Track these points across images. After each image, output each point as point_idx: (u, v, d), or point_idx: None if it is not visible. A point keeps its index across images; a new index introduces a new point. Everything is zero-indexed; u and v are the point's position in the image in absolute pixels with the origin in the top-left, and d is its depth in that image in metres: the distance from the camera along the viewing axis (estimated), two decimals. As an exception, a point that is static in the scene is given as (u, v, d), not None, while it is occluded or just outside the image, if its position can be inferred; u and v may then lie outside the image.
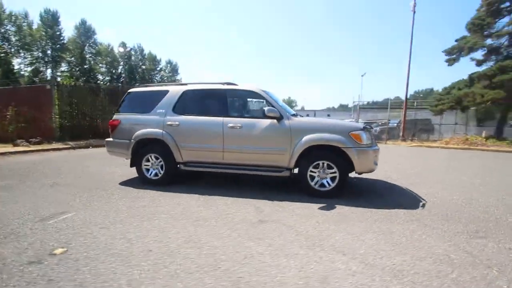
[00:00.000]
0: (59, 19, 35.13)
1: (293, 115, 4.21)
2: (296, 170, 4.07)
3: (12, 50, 31.45)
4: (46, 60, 35.86)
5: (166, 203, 3.57)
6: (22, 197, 3.75)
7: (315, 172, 3.88)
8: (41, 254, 2.19)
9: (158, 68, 58.66)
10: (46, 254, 2.19)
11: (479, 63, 14.79)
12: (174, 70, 61.45)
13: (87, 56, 43.40)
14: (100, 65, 47.29)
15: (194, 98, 4.45)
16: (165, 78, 58.19)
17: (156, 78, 57.78)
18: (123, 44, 48.08)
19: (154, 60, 57.27)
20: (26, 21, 32.66)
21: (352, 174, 4.08)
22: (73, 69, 40.20)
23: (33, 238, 2.48)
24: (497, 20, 13.37)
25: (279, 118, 3.96)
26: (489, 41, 13.70)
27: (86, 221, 2.91)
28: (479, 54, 14.24)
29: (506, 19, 13.20)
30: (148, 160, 4.51)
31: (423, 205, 3.63)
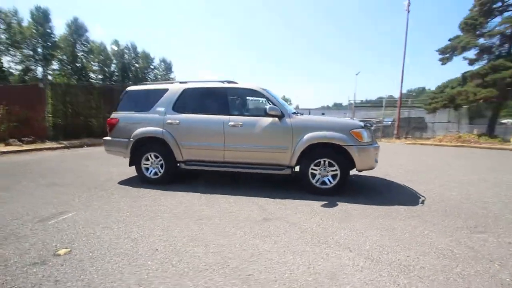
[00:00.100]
0: (50, 17, 34.40)
1: (294, 113, 4.22)
2: (297, 168, 4.08)
3: (2, 48, 30.67)
4: (36, 58, 34.95)
5: (167, 202, 3.54)
6: (19, 197, 3.67)
7: (316, 170, 3.90)
8: (45, 255, 2.15)
9: (151, 67, 57.92)
10: (50, 254, 2.15)
11: (471, 62, 15.07)
12: (168, 68, 60.72)
13: (79, 54, 42.57)
14: (92, 63, 46.47)
15: (194, 96, 4.41)
16: (159, 77, 57.50)
17: (150, 76, 57.07)
18: (116, 42, 47.38)
19: (147, 58, 56.48)
20: (16, 18, 31.90)
21: (351, 172, 4.11)
22: (65, 67, 39.40)
23: (34, 239, 2.43)
24: (489, 20, 13.64)
25: (281, 116, 3.96)
26: (481, 41, 13.98)
27: (88, 221, 2.87)
28: (471, 53, 14.55)
29: (498, 19, 13.50)
30: (147, 159, 4.46)
31: (423, 202, 3.69)
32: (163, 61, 60.44)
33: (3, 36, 31.06)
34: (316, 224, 2.84)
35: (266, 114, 3.96)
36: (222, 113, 4.19)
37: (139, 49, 54.68)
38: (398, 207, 3.44)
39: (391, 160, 7.36)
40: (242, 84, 4.40)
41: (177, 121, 4.27)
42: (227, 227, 2.74)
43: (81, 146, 10.31)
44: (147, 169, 4.48)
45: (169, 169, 4.37)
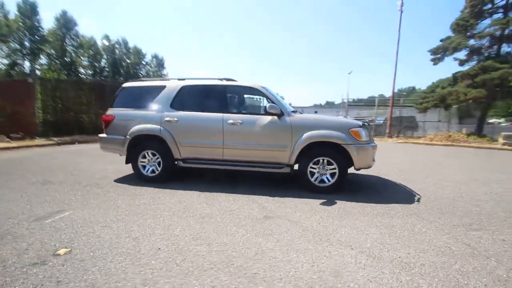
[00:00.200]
0: (38, 9, 33.31)
1: (293, 111, 4.23)
2: (296, 166, 4.10)
3: (-14, 41, 29.67)
4: (24, 52, 33.88)
5: (167, 200, 3.51)
6: (12, 196, 3.57)
7: (315, 169, 3.93)
8: (44, 255, 2.10)
9: (143, 62, 56.93)
10: (49, 254, 2.10)
11: (461, 62, 15.41)
12: (160, 65, 59.82)
13: (68, 48, 41.47)
14: (82, 58, 45.36)
15: (192, 93, 4.37)
16: (151, 73, 56.63)
17: (141, 72, 56.11)
18: (107, 37, 46.30)
19: (139, 54, 55.48)
20: (2, 11, 30.76)
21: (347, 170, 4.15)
22: (53, 62, 38.33)
23: (31, 238, 2.37)
24: (479, 21, 13.96)
25: (280, 115, 3.96)
26: (472, 42, 14.30)
27: (86, 219, 2.82)
28: (462, 54, 14.88)
29: (488, 21, 13.84)
30: (144, 157, 4.40)
31: (419, 200, 3.77)
32: (155, 57, 59.45)
33: (-12, 29, 29.99)
34: (317, 222, 2.87)
35: (266, 113, 3.95)
36: (221, 111, 4.16)
37: (131, 45, 53.67)
38: (396, 205, 3.51)
39: (385, 159, 7.48)
40: (241, 82, 4.38)
41: (175, 119, 4.22)
42: (229, 226, 2.74)
43: (72, 142, 10.09)
44: (144, 167, 4.42)
45: (166, 167, 4.33)
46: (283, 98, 4.93)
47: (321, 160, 3.90)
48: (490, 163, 7.67)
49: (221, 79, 4.43)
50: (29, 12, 33.15)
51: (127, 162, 4.55)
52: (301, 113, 4.37)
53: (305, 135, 3.86)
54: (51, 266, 1.95)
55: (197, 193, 3.85)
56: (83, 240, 2.35)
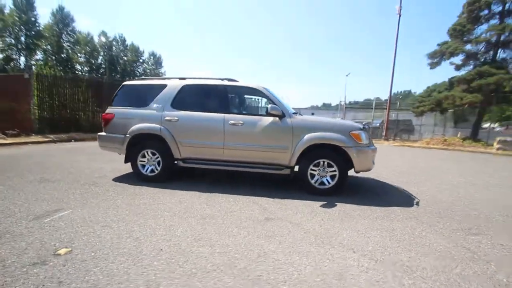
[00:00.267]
0: (35, 5, 32.90)
1: (294, 113, 4.23)
2: (296, 168, 4.10)
3: (-19, 35, 29.26)
4: (19, 47, 33.43)
5: (167, 200, 3.48)
6: (9, 194, 3.51)
7: (315, 171, 3.94)
8: (44, 254, 2.07)
9: (140, 60, 56.55)
10: (50, 254, 2.07)
11: (458, 67, 15.60)
12: (157, 63, 59.49)
13: (64, 44, 41.03)
14: (79, 54, 44.92)
15: (193, 93, 4.35)
16: (148, 71, 56.30)
17: (138, 70, 55.76)
18: (104, 33, 45.88)
19: (136, 51, 55.10)
20: (-3, 4, 30.42)
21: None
22: (49, 58, 37.90)
23: (31, 237, 2.34)
24: (476, 27, 14.17)
25: (281, 116, 3.97)
26: (468, 47, 14.49)
27: (86, 219, 2.78)
28: (458, 59, 15.06)
29: (484, 27, 14.04)
30: (144, 156, 4.37)
31: (417, 203, 3.80)
32: (153, 55, 59.12)
33: (-18, 23, 29.56)
34: (318, 225, 2.88)
35: (267, 114, 3.95)
36: (222, 111, 4.15)
37: (128, 42, 53.27)
38: (395, 208, 3.53)
39: (382, 162, 7.54)
40: (243, 82, 4.38)
41: (176, 118, 4.20)
42: (230, 227, 2.73)
43: (68, 140, 9.98)
44: (143, 166, 4.39)
45: (166, 167, 4.30)
46: (285, 98, 4.93)
47: (321, 162, 3.91)
48: (486, 167, 7.78)
49: (222, 79, 4.43)
50: (25, 7, 32.72)
51: (126, 161, 4.51)
52: (301, 115, 4.38)
53: (306, 137, 3.87)
54: (52, 266, 1.92)
55: (197, 193, 3.83)
56: (84, 240, 2.32)
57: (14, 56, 33.91)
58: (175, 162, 4.35)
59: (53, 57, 38.07)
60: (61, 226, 2.58)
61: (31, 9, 33.39)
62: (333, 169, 3.89)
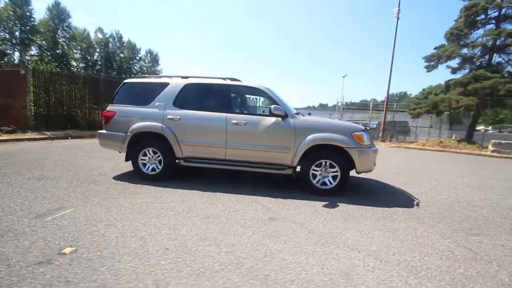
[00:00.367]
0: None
1: (296, 113, 4.24)
2: (298, 168, 4.12)
3: (-26, 28, 28.71)
4: (13, 42, 32.90)
5: (169, 199, 3.47)
6: (8, 191, 3.46)
7: (317, 171, 3.96)
8: (49, 253, 2.05)
9: (137, 58, 56.08)
10: (55, 253, 2.05)
11: (454, 70, 15.81)
12: (154, 60, 59.07)
13: (60, 40, 40.50)
14: (74, 50, 44.37)
15: (196, 92, 4.33)
16: (145, 68, 55.88)
17: (135, 67, 55.31)
18: (100, 30, 45.38)
19: (133, 48, 54.61)
20: (-10, -2, 29.88)
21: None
22: (44, 54, 37.36)
23: (34, 236, 2.31)
24: (472, 31, 14.37)
25: (284, 116, 3.98)
26: (464, 51, 14.69)
27: (88, 217, 2.76)
28: (454, 63, 15.27)
29: (481, 31, 14.25)
30: (145, 155, 4.34)
31: (418, 204, 3.85)
32: (150, 52, 58.67)
33: (-25, 16, 29.00)
34: (322, 225, 2.89)
35: (270, 114, 3.96)
36: (224, 110, 4.15)
37: (125, 39, 52.79)
38: (396, 209, 3.57)
39: (381, 163, 7.60)
40: (246, 82, 4.37)
41: (178, 117, 4.18)
42: (235, 226, 2.73)
43: (65, 137, 9.85)
44: (144, 165, 4.36)
45: (167, 166, 4.28)
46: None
47: (323, 163, 3.93)
48: (482, 169, 7.90)
49: (224, 79, 4.42)
50: (20, 1, 32.18)
51: (127, 160, 4.48)
52: (303, 115, 4.40)
53: (309, 137, 3.88)
54: (58, 265, 1.90)
55: (199, 192, 3.82)
56: (88, 239, 2.30)
57: (8, 51, 33.36)
58: (177, 161, 4.33)
59: (48, 53, 37.54)
60: (64, 225, 2.55)
61: (26, 4, 32.88)
62: (335, 169, 3.91)
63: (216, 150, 4.15)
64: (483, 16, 13.97)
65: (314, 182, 3.97)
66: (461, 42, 14.68)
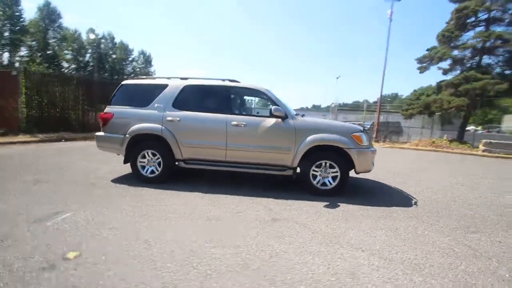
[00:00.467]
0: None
1: (296, 115, 4.27)
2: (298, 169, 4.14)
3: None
4: (2, 42, 32.18)
5: (171, 202, 3.44)
6: (4, 196, 3.38)
7: (317, 172, 3.99)
8: (52, 258, 2.01)
9: (130, 58, 55.54)
10: (58, 258, 2.02)
11: (445, 72, 16.15)
12: (147, 61, 58.60)
13: (50, 41, 39.80)
14: (66, 51, 43.66)
15: (195, 93, 4.32)
16: (138, 69, 55.36)
17: (128, 68, 54.75)
18: (92, 30, 44.75)
19: (126, 49, 54.07)
20: (-22, -3, 29.16)
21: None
22: (34, 54, 36.63)
23: (35, 241, 2.26)
24: (463, 33, 14.72)
25: (284, 118, 4.00)
26: (455, 52, 15.03)
27: (90, 221, 2.72)
28: (446, 64, 15.60)
29: (471, 33, 14.60)
30: (144, 157, 4.29)
31: (416, 203, 3.91)
32: (142, 53, 58.16)
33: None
34: (325, 225, 2.92)
35: (271, 115, 3.98)
36: (224, 111, 4.14)
37: (117, 40, 52.24)
38: (395, 208, 3.63)
39: (377, 163, 7.68)
40: (245, 83, 4.38)
41: (178, 118, 4.16)
42: (239, 228, 2.73)
43: (58, 140, 9.66)
44: (143, 167, 4.31)
45: (167, 168, 4.25)
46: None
47: (323, 163, 3.96)
48: (474, 168, 8.08)
49: (223, 80, 4.42)
50: (9, 1, 31.52)
51: (125, 162, 4.42)
52: (302, 116, 4.42)
53: (309, 138, 3.91)
54: (63, 270, 1.87)
55: (200, 194, 3.80)
56: (91, 243, 2.27)
57: (-4, 52, 32.64)
58: (176, 163, 4.30)
59: (39, 54, 36.83)
60: (66, 229, 2.51)
61: (16, 4, 32.22)
62: (334, 170, 3.95)
63: (217, 151, 4.14)
64: (473, 19, 14.33)
65: (314, 182, 4.00)
66: (452, 44, 15.02)
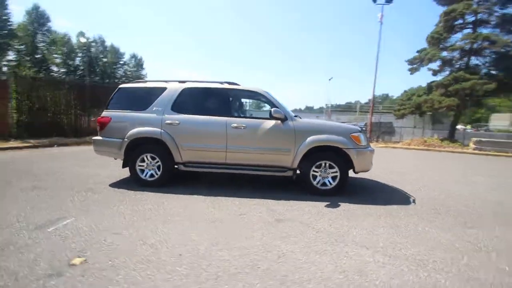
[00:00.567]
0: (7, 3, 31.02)
1: (295, 116, 4.31)
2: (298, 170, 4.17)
3: None
4: (-12, 47, 31.38)
5: (172, 205, 3.43)
6: (1, 203, 3.30)
7: (317, 172, 4.03)
8: (58, 265, 1.98)
9: (121, 62, 54.85)
10: (64, 265, 1.98)
11: (434, 73, 16.56)
12: (139, 65, 57.98)
13: (39, 45, 38.99)
14: (55, 55, 42.83)
15: (194, 96, 4.32)
16: (129, 73, 54.73)
17: (119, 72, 54.06)
18: (82, 34, 44.06)
19: (116, 53, 53.42)
20: (-37, 1, 28.37)
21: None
22: (23, 58, 35.82)
23: (38, 248, 2.22)
24: (451, 35, 15.15)
25: (284, 119, 4.03)
26: (444, 54, 15.45)
27: (92, 227, 2.68)
28: (435, 65, 16.01)
29: (459, 35, 15.04)
30: (143, 161, 4.26)
31: (414, 201, 4.00)
32: (134, 56, 57.54)
33: None
34: (328, 224, 2.95)
35: (271, 117, 4.01)
36: (224, 114, 4.16)
37: (108, 43, 51.58)
38: (395, 206, 3.70)
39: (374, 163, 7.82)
40: (245, 86, 4.41)
41: (177, 122, 4.15)
42: (243, 230, 2.74)
43: (51, 145, 9.46)
44: (142, 171, 4.27)
45: (167, 171, 4.22)
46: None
47: (323, 164, 4.01)
48: (466, 166, 8.30)
49: (222, 83, 4.43)
50: (-4, 5, 30.83)
51: (124, 166, 4.38)
52: (301, 118, 4.47)
53: (309, 139, 3.96)
54: (70, 277, 1.84)
55: (201, 197, 3.79)
56: (96, 248, 2.24)
57: (-17, 57, 31.78)
58: (176, 166, 4.29)
59: (27, 58, 36.03)
60: (68, 235, 2.47)
61: (3, 7, 31.50)
62: (334, 170, 4.00)
63: (217, 154, 4.14)
64: (461, 21, 14.76)
65: (315, 183, 4.04)
66: (441, 46, 15.42)
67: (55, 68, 43.02)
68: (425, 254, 2.35)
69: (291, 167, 4.07)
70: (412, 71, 16.57)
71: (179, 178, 4.77)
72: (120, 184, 4.38)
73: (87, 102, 12.57)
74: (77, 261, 2.04)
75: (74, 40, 42.88)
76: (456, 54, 15.08)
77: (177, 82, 4.46)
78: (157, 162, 4.24)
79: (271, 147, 4.05)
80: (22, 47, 35.27)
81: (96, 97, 12.49)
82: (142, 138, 4.22)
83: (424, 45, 16.57)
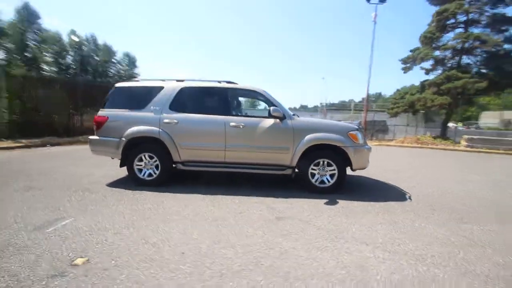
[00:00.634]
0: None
1: (293, 115, 4.34)
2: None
3: None
4: (-24, 44, 30.59)
5: (171, 204, 3.42)
6: (-4, 204, 3.24)
7: (316, 170, 4.07)
8: (60, 266, 1.96)
9: (114, 61, 54.10)
10: (66, 265, 1.97)
11: (427, 71, 16.85)
12: (132, 63, 57.25)
13: (29, 43, 38.18)
14: (46, 54, 42.02)
15: (193, 95, 4.31)
16: (122, 72, 54.00)
17: (112, 71, 53.31)
18: (74, 32, 43.27)
19: (109, 51, 52.65)
20: None
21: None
22: (12, 57, 35.03)
23: (38, 249, 2.20)
24: (443, 34, 15.40)
25: (282, 118, 4.06)
26: (437, 53, 15.71)
27: (92, 227, 2.66)
28: (428, 64, 16.28)
29: (451, 34, 15.30)
30: (141, 160, 4.23)
31: (410, 198, 4.07)
32: (127, 55, 56.76)
33: None
34: (327, 221, 2.99)
35: (269, 115, 4.03)
36: (222, 113, 4.16)
37: (100, 41, 50.76)
38: (392, 203, 3.76)
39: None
40: (243, 85, 4.41)
41: (175, 121, 4.13)
42: (245, 227, 2.76)
43: (43, 145, 9.31)
44: (140, 170, 4.25)
45: (165, 170, 4.21)
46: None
47: (321, 162, 4.05)
48: (459, 163, 8.47)
49: (220, 82, 4.43)
50: (-17, 1, 29.96)
51: (121, 166, 4.35)
52: (298, 116, 4.50)
53: (307, 137, 3.99)
54: (73, 277, 1.83)
55: (200, 196, 3.79)
56: (98, 248, 2.23)
57: (-30, 55, 30.93)
58: (174, 165, 4.27)
59: (17, 56, 35.24)
60: (68, 236, 2.45)
61: (-10, 4, 30.68)
62: (332, 168, 4.05)
63: (215, 153, 4.14)
64: (453, 21, 15.02)
65: (313, 181, 4.08)
66: (434, 45, 15.68)
67: (46, 67, 42.21)
68: (423, 249, 2.40)
69: (289, 165, 4.10)
70: (406, 70, 16.81)
71: (178, 177, 4.76)
72: (117, 184, 4.34)
73: (80, 101, 12.40)
74: (79, 261, 2.03)
75: (66, 38, 42.05)
76: (448, 53, 15.35)
77: (175, 81, 4.44)
78: (155, 161, 4.22)
79: (269, 145, 4.08)
80: (12, 45, 34.47)
81: (89, 96, 12.33)
82: (140, 137, 4.19)
83: (417, 44, 16.84)
